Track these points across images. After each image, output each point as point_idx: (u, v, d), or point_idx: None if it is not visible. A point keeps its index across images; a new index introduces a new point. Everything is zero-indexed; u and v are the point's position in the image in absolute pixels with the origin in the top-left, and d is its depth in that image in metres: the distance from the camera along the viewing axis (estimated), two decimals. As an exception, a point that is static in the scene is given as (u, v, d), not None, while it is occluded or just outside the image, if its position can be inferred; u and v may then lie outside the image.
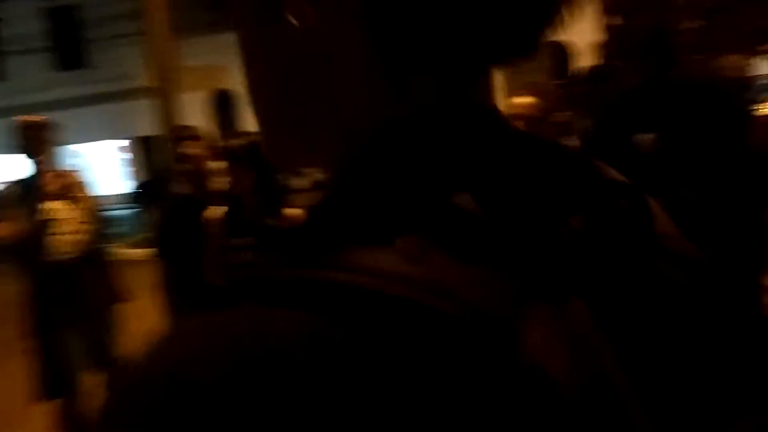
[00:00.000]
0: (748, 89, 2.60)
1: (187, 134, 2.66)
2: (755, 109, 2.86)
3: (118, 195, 22.79)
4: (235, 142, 2.37)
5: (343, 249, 0.29)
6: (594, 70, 3.09)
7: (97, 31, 20.34)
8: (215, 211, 2.40)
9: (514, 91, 2.15)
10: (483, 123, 0.36)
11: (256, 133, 2.26)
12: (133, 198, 20.64)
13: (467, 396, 0.25)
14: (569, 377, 0.27)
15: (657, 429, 0.28)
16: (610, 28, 1.67)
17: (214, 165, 2.41)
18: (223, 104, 19.99)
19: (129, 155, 22.84)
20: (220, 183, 2.41)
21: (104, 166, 24.19)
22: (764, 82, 9.93)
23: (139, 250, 10.13)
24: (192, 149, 2.61)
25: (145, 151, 21.60)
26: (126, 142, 22.44)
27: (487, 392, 0.25)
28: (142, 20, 8.63)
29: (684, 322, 0.32)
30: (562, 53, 15.64)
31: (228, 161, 2.34)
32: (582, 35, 1.91)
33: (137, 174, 22.11)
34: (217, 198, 2.49)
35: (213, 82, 20.56)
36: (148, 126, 19.74)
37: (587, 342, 0.28)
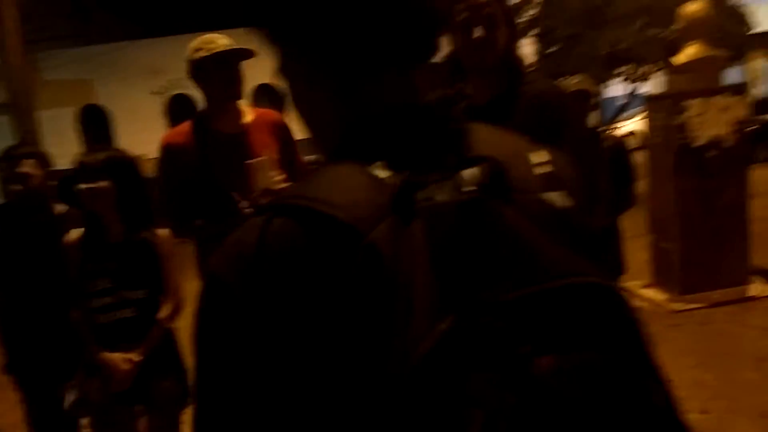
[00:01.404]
0: (591, 106, 2.82)
1: (21, 152, 2.42)
2: (610, 128, 3.12)
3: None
4: (90, 156, 2.11)
5: (313, 190, 0.58)
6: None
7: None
8: (71, 235, 2.16)
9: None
10: (395, 115, 0.62)
11: (115, 148, 2.12)
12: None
13: (336, 260, 0.53)
14: (391, 251, 0.51)
15: (441, 291, 0.47)
16: (464, 46, 1.68)
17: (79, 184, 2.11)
18: (91, 119, 18.83)
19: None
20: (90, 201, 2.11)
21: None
22: (620, 103, 10.92)
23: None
24: (28, 168, 2.35)
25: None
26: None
27: (344, 258, 0.52)
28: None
29: (502, 240, 0.50)
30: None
31: (85, 178, 2.09)
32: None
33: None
34: (75, 218, 2.27)
35: (79, 98, 19.38)
36: (5, 145, 18.15)
37: (413, 241, 0.50)
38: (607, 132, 3.06)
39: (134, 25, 18.95)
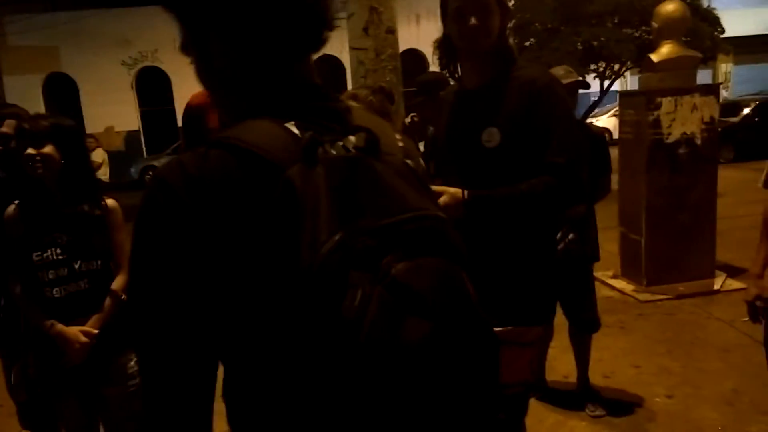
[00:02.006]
0: (575, 94, 2.86)
1: (2, 113, 2.31)
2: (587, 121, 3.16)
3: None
4: (33, 122, 2.00)
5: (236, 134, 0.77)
6: (422, 81, 3.18)
7: None
8: (10, 207, 2.04)
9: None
10: (303, 89, 0.85)
11: (59, 115, 2.04)
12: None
13: (259, 186, 0.72)
14: (302, 186, 0.70)
15: (336, 216, 0.69)
16: (459, 32, 1.69)
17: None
18: (57, 89, 18.24)
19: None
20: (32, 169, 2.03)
21: None
22: (595, 99, 11.10)
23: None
24: (8, 128, 2.25)
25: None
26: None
27: (266, 186, 0.72)
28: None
29: (375, 185, 0.74)
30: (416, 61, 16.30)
31: (26, 143, 1.97)
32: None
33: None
34: (18, 186, 2.11)
35: (44, 65, 18.75)
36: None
37: (317, 181, 0.71)
38: (590, 123, 3.11)
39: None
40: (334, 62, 14.59)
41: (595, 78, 10.46)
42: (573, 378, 3.11)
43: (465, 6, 1.69)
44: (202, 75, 0.87)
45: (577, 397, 3.04)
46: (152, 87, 18.11)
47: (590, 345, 3.02)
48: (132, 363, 2.11)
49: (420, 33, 14.85)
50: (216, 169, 0.73)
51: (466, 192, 1.65)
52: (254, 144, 0.75)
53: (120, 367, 2.10)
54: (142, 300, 0.75)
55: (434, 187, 1.66)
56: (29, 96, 14.85)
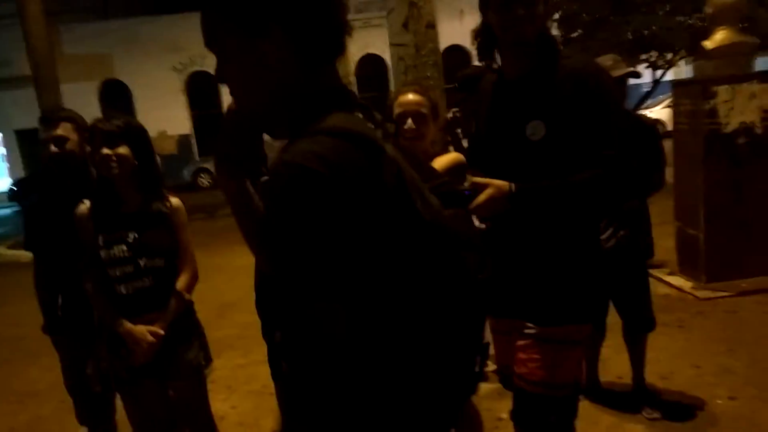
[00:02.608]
0: (624, 85, 2.77)
1: (57, 116, 2.37)
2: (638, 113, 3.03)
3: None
4: (107, 123, 2.04)
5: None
6: (463, 77, 3.13)
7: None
8: (82, 206, 2.11)
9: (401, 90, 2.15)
10: (340, 91, 1.01)
11: (128, 116, 2.08)
12: (9, 196, 19.08)
13: (375, 167, 0.90)
14: (398, 159, 0.96)
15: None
16: (502, 23, 1.64)
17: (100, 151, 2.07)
18: (112, 95, 18.88)
19: (3, 150, 21.06)
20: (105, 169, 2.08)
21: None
22: (646, 89, 10.77)
23: (20, 252, 9.42)
24: (63, 131, 2.31)
25: (25, 145, 19.99)
26: (-1, 136, 20.67)
27: (382, 164, 0.91)
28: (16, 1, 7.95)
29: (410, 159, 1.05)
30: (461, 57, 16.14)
31: (101, 143, 2.02)
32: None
33: (14, 170, 20.42)
34: (89, 186, 2.20)
35: (99, 72, 19.42)
36: (28, 118, 18.28)
37: (395, 156, 0.96)
38: (641, 114, 2.99)
39: (153, 1, 18.85)
40: (377, 61, 14.60)
41: (646, 68, 10.14)
42: (628, 379, 3.00)
43: None
44: (251, 75, 0.95)
45: (632, 398, 2.94)
46: (202, 91, 18.53)
47: (646, 345, 2.91)
48: (194, 356, 2.18)
49: (463, 28, 14.67)
50: (344, 153, 0.86)
51: (513, 185, 1.60)
52: (360, 131, 0.91)
53: (186, 362, 2.17)
54: (303, 273, 0.89)
55: (478, 180, 1.62)
56: (86, 102, 15.38)
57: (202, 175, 16.66)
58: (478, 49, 1.80)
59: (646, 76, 10.73)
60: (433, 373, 0.98)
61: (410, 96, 2.14)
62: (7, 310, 6.11)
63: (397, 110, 2.12)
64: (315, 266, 0.87)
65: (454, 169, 2.02)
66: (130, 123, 2.10)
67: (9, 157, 20.74)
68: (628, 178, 1.64)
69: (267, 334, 1.25)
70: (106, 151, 2.02)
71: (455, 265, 1.00)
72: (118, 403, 2.37)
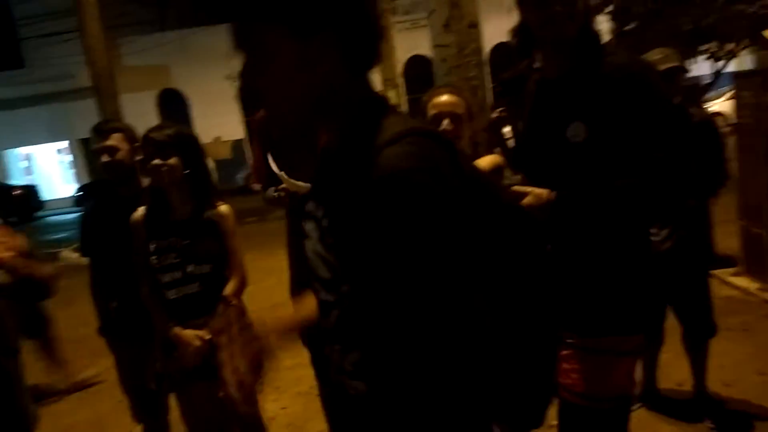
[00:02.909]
0: (675, 79, 2.64)
1: (108, 127, 2.47)
2: (694, 105, 2.90)
3: (63, 198, 22.08)
4: (158, 132, 2.11)
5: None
6: (505, 81, 3.05)
7: (32, 29, 19.47)
8: (136, 213, 2.19)
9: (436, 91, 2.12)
10: (380, 97, 1.01)
11: (180, 125, 2.14)
12: (76, 201, 20.03)
13: (454, 160, 0.91)
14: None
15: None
16: (541, 20, 1.58)
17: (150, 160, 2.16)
18: (169, 104, 19.52)
19: (70, 158, 22.08)
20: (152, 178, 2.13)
21: (48, 170, 23.32)
22: (706, 81, 10.34)
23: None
24: (114, 141, 2.40)
25: (89, 152, 20.90)
26: (64, 144, 21.63)
27: (459, 159, 0.93)
28: (77, 17, 8.30)
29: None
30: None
31: (152, 153, 2.09)
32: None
33: (79, 177, 21.38)
34: (142, 195, 2.29)
35: (156, 82, 20.12)
36: (90, 127, 18.93)
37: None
38: (696, 109, 2.84)
39: (209, 11, 19.36)
40: (424, 62, 14.56)
41: (707, 60, 9.74)
42: (688, 386, 2.87)
43: None
44: (296, 79, 0.93)
45: (693, 407, 2.80)
46: (254, 98, 18.92)
47: (707, 350, 2.78)
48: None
49: (511, 26, 14.47)
50: (435, 151, 0.87)
51: (553, 193, 1.53)
52: (431, 129, 0.96)
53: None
54: (436, 274, 0.84)
55: (517, 187, 1.56)
56: (144, 112, 15.95)
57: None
58: (516, 48, 1.74)
59: (707, 67, 10.30)
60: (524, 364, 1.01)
61: (445, 97, 2.11)
62: (73, 310, 6.35)
63: (431, 111, 2.09)
64: (458, 263, 0.85)
65: (492, 171, 1.98)
66: (180, 132, 2.16)
67: (75, 164, 21.74)
68: (679, 181, 1.54)
69: (322, 359, 1.16)
70: (156, 161, 2.09)
71: (537, 250, 1.06)
72: (172, 402, 2.43)
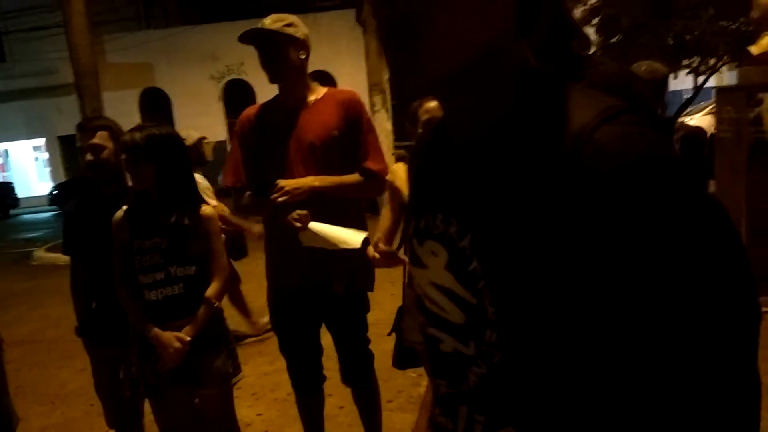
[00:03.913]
0: (664, 87, 2.66)
1: (93, 125, 2.41)
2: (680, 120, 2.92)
3: (37, 197, 21.75)
4: (131, 135, 2.07)
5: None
6: None
7: (15, 23, 19.21)
8: (119, 212, 2.16)
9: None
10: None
11: (155, 126, 2.11)
12: (51, 200, 19.71)
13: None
14: None
15: None
16: None
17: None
18: (152, 103, 19.33)
19: (46, 155, 21.76)
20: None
21: (23, 167, 22.95)
22: (688, 96, 10.48)
23: (58, 255, 9.67)
24: (99, 139, 2.34)
25: (67, 151, 20.62)
26: (41, 141, 21.32)
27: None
28: (61, 12, 8.19)
29: None
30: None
31: (126, 155, 2.07)
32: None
33: (55, 175, 21.07)
34: (124, 194, 2.26)
35: (139, 81, 19.90)
36: (70, 125, 18.70)
37: None
38: (681, 123, 2.88)
39: (193, 11, 19.27)
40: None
41: (688, 74, 9.88)
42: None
43: None
44: (476, 10, 0.61)
45: None
46: (238, 99, 18.83)
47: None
48: (222, 365, 2.17)
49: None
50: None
51: None
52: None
53: (213, 370, 2.16)
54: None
55: None
56: (126, 110, 15.80)
57: (238, 181, 16.93)
58: None
59: (688, 82, 10.45)
60: None
61: (436, 102, 2.11)
62: (45, 311, 6.26)
63: (424, 117, 2.09)
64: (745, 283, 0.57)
65: None
66: (153, 135, 2.07)
67: (51, 162, 21.43)
68: None
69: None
70: (129, 166, 2.07)
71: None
72: (146, 407, 2.38)
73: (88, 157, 2.36)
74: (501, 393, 0.68)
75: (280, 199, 2.16)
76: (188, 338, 2.08)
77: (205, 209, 2.18)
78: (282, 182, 2.19)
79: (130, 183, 2.33)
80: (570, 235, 0.57)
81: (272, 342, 4.22)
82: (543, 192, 0.59)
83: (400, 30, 0.62)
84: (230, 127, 19.63)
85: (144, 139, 2.05)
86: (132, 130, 2.11)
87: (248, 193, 2.34)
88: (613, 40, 9.83)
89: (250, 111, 2.39)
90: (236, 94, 18.81)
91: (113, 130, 2.41)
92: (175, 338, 2.07)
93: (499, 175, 0.64)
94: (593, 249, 0.56)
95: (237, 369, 2.26)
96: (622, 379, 0.59)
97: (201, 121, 18.55)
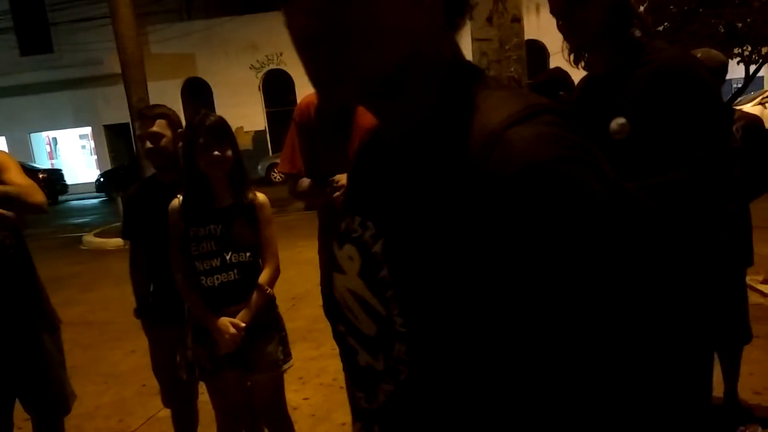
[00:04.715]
0: (722, 76, 2.59)
1: (153, 113, 2.45)
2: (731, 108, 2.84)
3: (84, 183, 22.37)
4: (208, 117, 2.11)
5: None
6: (536, 85, 3.09)
7: (62, 14, 19.71)
8: (175, 201, 2.18)
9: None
10: (471, 65, 0.67)
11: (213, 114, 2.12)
12: (98, 186, 20.29)
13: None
14: None
15: None
16: (561, 30, 1.67)
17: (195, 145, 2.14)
18: (193, 93, 19.64)
19: (92, 143, 22.34)
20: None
21: (71, 154, 23.64)
22: (738, 86, 10.14)
23: (106, 240, 9.95)
24: (158, 128, 2.40)
25: (112, 139, 21.14)
26: (88, 130, 21.89)
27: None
28: (108, 3, 8.36)
29: None
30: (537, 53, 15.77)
31: (209, 141, 2.08)
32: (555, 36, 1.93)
33: (100, 163, 21.64)
34: (180, 181, 2.24)
35: (182, 71, 20.23)
36: (116, 114, 19.29)
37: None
38: (741, 111, 2.79)
39: (233, 1, 19.46)
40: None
41: (739, 63, 9.55)
42: (718, 392, 2.82)
43: (552, 7, 1.66)
44: (393, 20, 0.60)
45: (723, 414, 2.75)
46: (277, 89, 18.99)
47: (741, 357, 2.72)
48: (274, 350, 2.21)
49: (540, 23, 14.34)
50: (567, 129, 0.59)
51: None
52: (566, 108, 0.81)
53: (266, 355, 2.20)
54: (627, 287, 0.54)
55: None
56: (170, 100, 16.03)
57: (275, 170, 17.08)
58: (569, 53, 1.76)
59: (739, 71, 10.10)
60: None
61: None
62: (96, 295, 6.45)
63: None
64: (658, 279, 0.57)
65: None
66: (226, 122, 2.15)
67: (97, 151, 22.01)
68: (719, 180, 1.50)
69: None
70: (217, 153, 2.09)
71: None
72: (201, 387, 2.44)
73: (148, 144, 2.42)
74: (407, 413, 0.63)
75: (336, 194, 2.14)
76: (243, 324, 2.12)
77: (259, 196, 2.21)
78: (339, 177, 2.12)
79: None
80: (477, 241, 0.54)
81: (316, 327, 4.29)
82: (450, 196, 0.57)
83: (324, 39, 0.59)
84: (269, 116, 19.84)
85: (226, 124, 2.12)
86: (206, 115, 2.14)
87: (308, 180, 2.29)
88: (660, 27, 9.55)
89: (310, 98, 2.35)
90: (275, 84, 18.97)
91: (171, 118, 2.47)
92: (231, 324, 2.11)
93: (411, 179, 0.62)
94: (499, 257, 0.53)
95: (288, 355, 2.29)
96: (529, 387, 0.56)
97: (241, 110, 18.79)
